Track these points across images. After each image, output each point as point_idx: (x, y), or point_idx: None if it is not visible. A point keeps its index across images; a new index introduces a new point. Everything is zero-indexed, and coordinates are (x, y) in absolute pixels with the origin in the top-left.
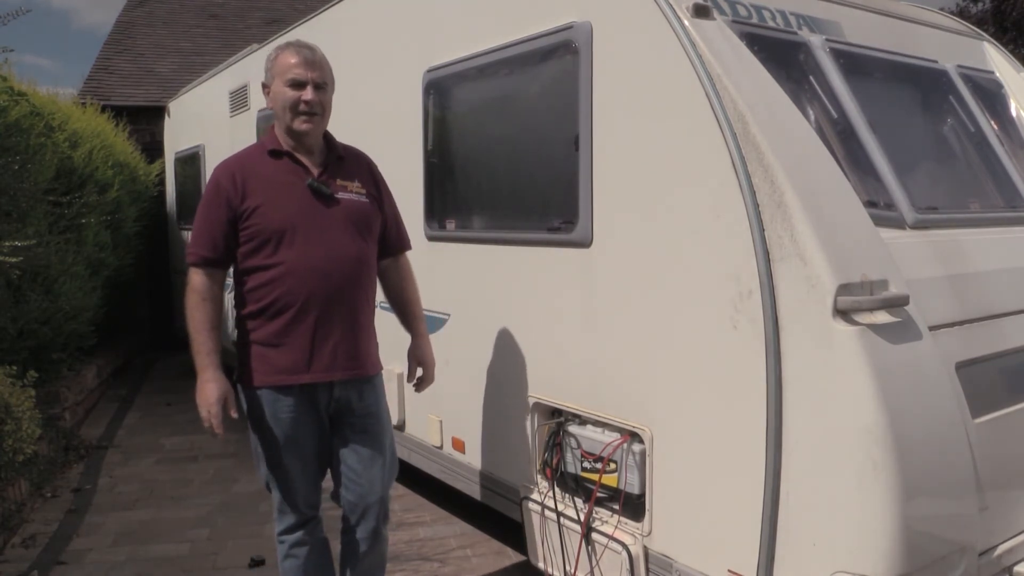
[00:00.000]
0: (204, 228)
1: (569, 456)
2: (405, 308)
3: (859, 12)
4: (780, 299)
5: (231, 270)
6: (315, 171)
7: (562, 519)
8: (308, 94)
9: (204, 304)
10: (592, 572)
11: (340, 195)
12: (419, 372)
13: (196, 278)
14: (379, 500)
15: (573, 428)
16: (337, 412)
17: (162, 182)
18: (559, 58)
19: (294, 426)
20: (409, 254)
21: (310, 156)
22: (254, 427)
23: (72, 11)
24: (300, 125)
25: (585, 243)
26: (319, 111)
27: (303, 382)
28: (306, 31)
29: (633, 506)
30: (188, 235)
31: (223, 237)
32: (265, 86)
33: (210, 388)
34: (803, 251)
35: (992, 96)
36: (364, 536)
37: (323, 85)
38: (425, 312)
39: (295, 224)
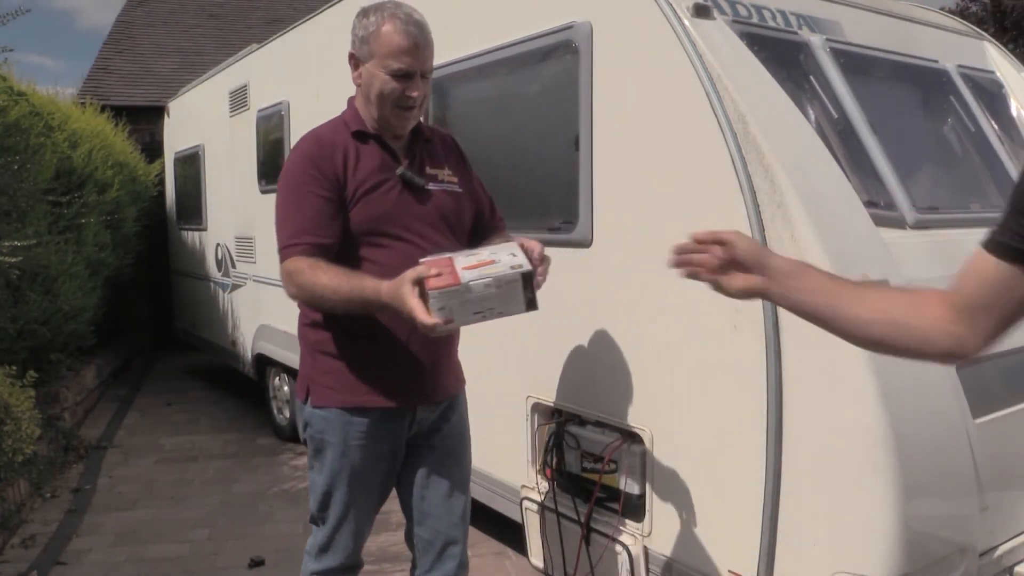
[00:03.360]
0: (306, 210)
1: (569, 456)
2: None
3: (859, 12)
4: None
5: None
6: (403, 158)
7: (562, 520)
8: (415, 89)
9: (323, 269)
10: (592, 572)
11: (431, 186)
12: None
13: (299, 264)
14: (461, 537)
15: (573, 428)
16: (416, 435)
17: (162, 182)
18: (559, 58)
19: (367, 455)
20: None
21: (397, 141)
22: (316, 452)
23: (76, 11)
24: (399, 119)
25: (585, 243)
26: (422, 103)
27: (393, 406)
28: (306, 30)
29: (633, 506)
30: (188, 235)
31: (331, 219)
32: (354, 57)
33: (402, 291)
34: (804, 251)
35: (992, 96)
36: None
37: (429, 73)
38: None
39: (388, 222)
